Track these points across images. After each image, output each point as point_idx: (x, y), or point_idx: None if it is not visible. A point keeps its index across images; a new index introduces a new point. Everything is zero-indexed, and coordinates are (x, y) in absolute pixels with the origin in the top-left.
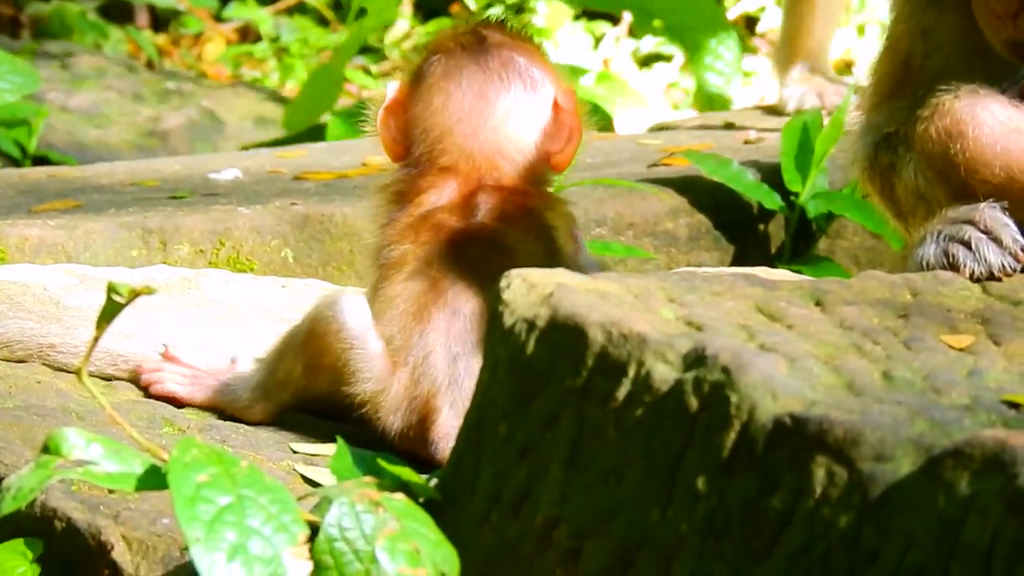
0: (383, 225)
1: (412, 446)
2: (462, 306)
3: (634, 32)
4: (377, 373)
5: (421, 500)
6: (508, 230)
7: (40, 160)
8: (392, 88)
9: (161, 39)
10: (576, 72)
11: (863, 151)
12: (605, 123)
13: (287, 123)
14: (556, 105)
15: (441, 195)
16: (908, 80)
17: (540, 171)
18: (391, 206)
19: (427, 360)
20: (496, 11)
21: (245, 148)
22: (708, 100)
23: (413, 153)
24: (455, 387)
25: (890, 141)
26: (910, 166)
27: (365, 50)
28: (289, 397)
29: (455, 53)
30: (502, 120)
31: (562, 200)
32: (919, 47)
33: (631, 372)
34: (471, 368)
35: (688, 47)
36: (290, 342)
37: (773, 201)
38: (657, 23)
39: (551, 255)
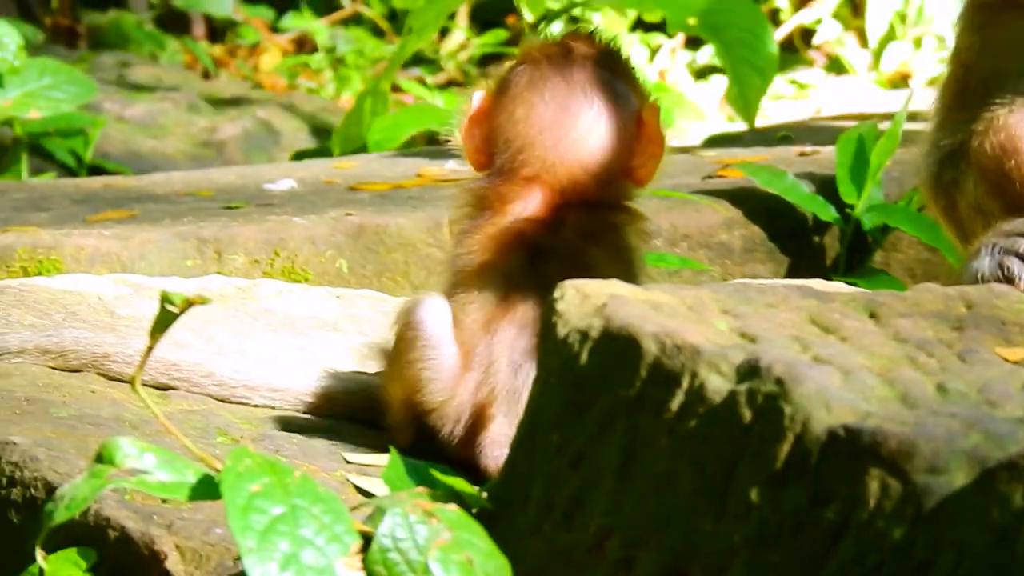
0: (462, 232)
1: (462, 450)
2: (532, 320)
3: (690, 44)
4: (448, 380)
5: (474, 510)
6: (590, 248)
7: (96, 170)
8: (477, 97)
9: (217, 50)
10: None
11: (927, 170)
12: None
13: (337, 146)
14: (640, 119)
15: (525, 207)
16: (969, 93)
17: (622, 185)
18: (472, 212)
19: (490, 369)
20: (554, 24)
21: (297, 156)
22: (742, 97)
23: (496, 163)
24: (513, 397)
25: (952, 157)
26: (970, 180)
27: (420, 61)
28: (401, 412)
29: (540, 64)
30: (585, 133)
31: (642, 216)
32: (979, 59)
33: (684, 383)
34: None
35: (723, 43)
36: (386, 352)
37: (828, 213)
38: (692, 21)
39: (628, 274)
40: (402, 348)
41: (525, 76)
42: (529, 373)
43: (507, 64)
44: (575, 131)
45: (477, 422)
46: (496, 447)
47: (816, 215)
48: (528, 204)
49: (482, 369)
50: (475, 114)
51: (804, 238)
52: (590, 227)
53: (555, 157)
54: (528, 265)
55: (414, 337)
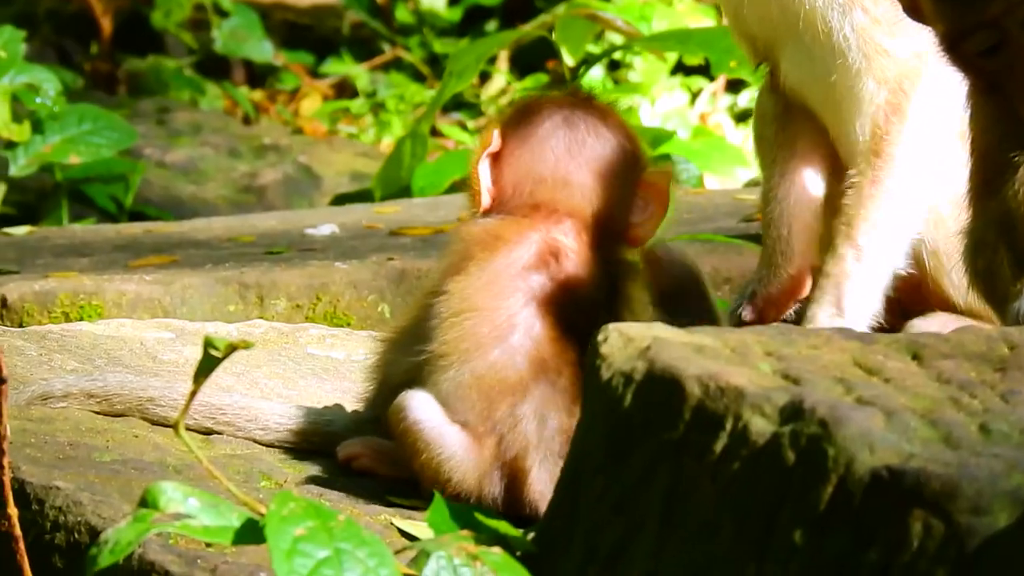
0: (462, 273)
1: (510, 510)
2: (558, 370)
3: (731, 87)
4: (463, 453)
5: (518, 553)
6: (594, 291)
7: (137, 215)
8: (496, 136)
9: (258, 95)
10: (663, 135)
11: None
12: (698, 179)
13: (378, 190)
14: (643, 178)
15: (529, 250)
16: (992, 176)
17: (621, 237)
18: (473, 254)
19: (515, 428)
20: (593, 69)
21: (338, 201)
22: None
23: (507, 203)
24: (542, 446)
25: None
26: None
27: (461, 106)
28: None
29: (560, 109)
30: (601, 180)
31: (638, 269)
32: (994, 140)
33: (728, 426)
34: (560, 426)
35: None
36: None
37: None
38: (735, 64)
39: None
40: (410, 449)
41: (550, 118)
42: (558, 419)
43: (519, 107)
44: (592, 175)
45: (514, 480)
46: (543, 498)
47: None
48: (533, 247)
49: (506, 428)
50: (495, 153)
51: None
52: (591, 271)
53: (572, 200)
54: (547, 311)
55: (416, 438)
